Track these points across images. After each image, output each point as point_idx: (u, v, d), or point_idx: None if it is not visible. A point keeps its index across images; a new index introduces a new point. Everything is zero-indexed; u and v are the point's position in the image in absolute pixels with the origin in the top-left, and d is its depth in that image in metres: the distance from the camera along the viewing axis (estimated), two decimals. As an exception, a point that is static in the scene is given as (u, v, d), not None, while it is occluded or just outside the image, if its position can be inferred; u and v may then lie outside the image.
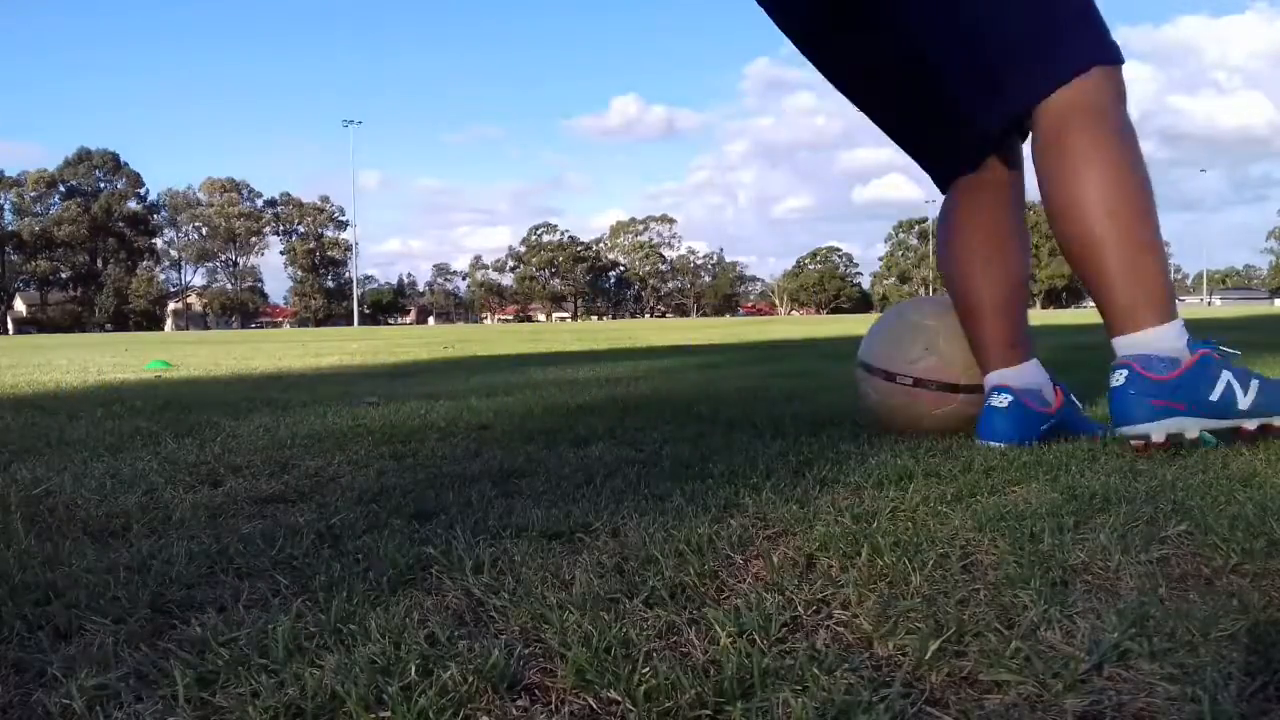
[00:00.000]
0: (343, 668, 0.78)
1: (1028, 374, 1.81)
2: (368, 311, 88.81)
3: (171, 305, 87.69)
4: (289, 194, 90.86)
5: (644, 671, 0.76)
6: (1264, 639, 0.81)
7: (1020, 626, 0.85)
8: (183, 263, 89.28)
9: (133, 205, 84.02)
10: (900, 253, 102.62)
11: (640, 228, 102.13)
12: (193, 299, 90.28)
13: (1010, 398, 1.73)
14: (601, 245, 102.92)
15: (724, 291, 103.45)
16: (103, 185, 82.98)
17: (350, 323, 70.93)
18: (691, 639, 0.85)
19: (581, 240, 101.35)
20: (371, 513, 1.38)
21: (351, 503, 1.46)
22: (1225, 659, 0.78)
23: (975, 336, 1.83)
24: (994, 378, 1.79)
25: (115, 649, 0.86)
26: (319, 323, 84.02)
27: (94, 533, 1.30)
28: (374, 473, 1.72)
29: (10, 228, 78.64)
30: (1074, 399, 1.87)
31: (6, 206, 79.31)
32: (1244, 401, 1.57)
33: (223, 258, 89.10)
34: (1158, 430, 1.53)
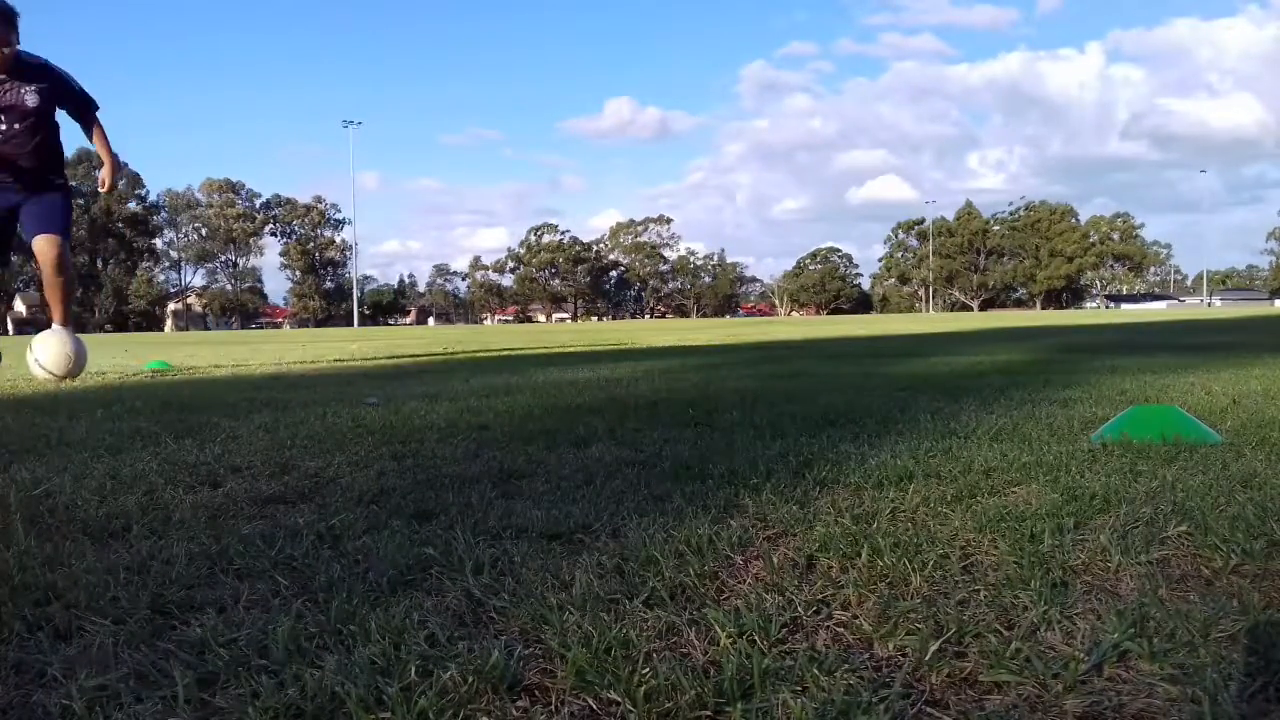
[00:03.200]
0: (343, 668, 0.79)
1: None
2: (367, 312, 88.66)
3: (171, 306, 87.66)
4: (281, 195, 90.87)
5: (644, 672, 0.77)
6: (1264, 640, 0.81)
7: (1020, 627, 0.85)
8: (182, 263, 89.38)
9: (132, 206, 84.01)
10: (900, 253, 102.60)
11: (639, 229, 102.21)
12: (192, 300, 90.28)
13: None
14: (601, 246, 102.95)
15: (724, 292, 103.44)
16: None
17: (350, 323, 70.90)
18: (691, 640, 0.85)
19: (581, 241, 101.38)
20: (371, 513, 1.38)
21: (351, 503, 1.46)
22: (1225, 660, 0.78)
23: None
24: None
25: (115, 650, 0.86)
26: (319, 323, 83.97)
27: (94, 533, 1.30)
28: (374, 473, 1.72)
29: (10, 228, 78.84)
30: None
31: (6, 207, 79.46)
32: None
33: (222, 258, 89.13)
34: None
